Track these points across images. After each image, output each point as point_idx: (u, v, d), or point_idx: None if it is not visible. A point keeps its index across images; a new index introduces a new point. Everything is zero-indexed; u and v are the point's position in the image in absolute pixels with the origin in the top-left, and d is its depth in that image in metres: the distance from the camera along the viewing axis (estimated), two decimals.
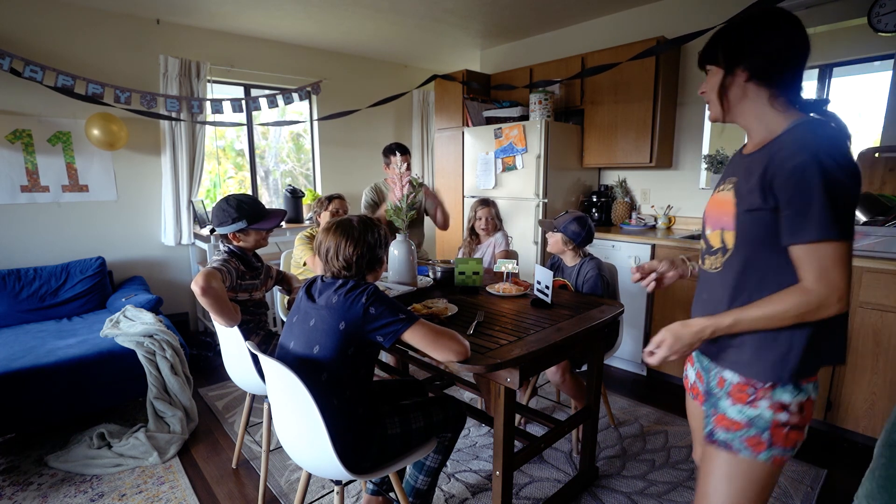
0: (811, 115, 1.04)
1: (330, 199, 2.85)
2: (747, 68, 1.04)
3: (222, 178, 4.54)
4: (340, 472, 1.39)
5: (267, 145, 4.72)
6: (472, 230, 3.01)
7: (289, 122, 4.27)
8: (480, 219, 2.94)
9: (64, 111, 3.36)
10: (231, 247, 2.05)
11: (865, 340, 2.28)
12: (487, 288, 2.27)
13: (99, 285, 3.34)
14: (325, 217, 2.82)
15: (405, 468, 1.79)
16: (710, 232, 1.15)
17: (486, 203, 2.97)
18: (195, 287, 1.74)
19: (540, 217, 3.45)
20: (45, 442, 2.46)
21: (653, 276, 1.36)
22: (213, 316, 1.83)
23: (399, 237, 2.24)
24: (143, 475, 2.22)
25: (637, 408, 2.80)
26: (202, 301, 1.76)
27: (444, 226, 3.29)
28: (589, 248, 2.47)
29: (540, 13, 3.67)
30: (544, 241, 3.49)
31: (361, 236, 1.49)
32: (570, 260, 2.39)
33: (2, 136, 3.19)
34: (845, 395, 2.36)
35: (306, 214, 4.34)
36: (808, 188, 0.92)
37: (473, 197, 3.85)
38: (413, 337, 1.40)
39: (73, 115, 3.39)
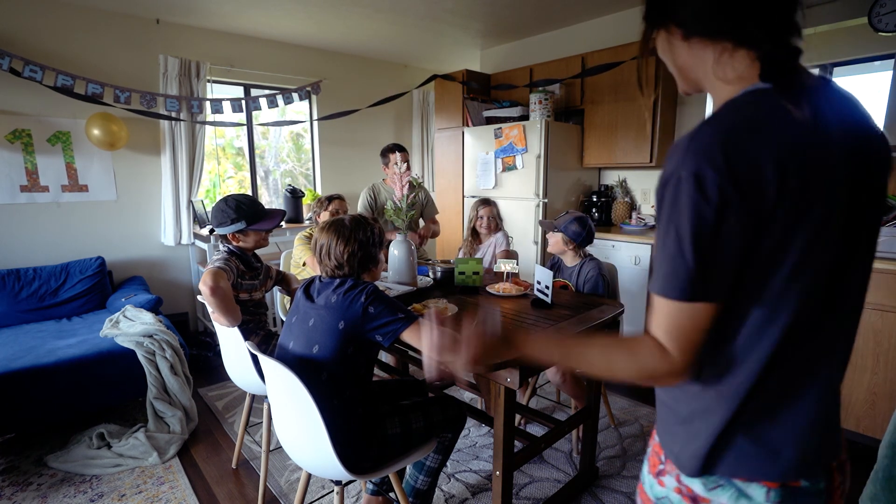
0: (767, 84, 0.65)
1: (330, 199, 2.85)
2: (677, 20, 0.71)
3: (222, 178, 4.54)
4: (340, 473, 1.39)
5: (267, 145, 4.72)
6: (473, 230, 3.01)
7: (289, 122, 4.27)
8: (482, 218, 2.93)
9: (63, 111, 3.36)
10: (231, 247, 2.05)
11: (865, 340, 2.28)
12: (487, 288, 2.26)
13: (99, 285, 3.34)
14: (324, 217, 2.82)
15: (405, 468, 1.79)
16: None
17: (487, 203, 2.97)
18: (204, 287, 1.75)
19: (540, 217, 3.45)
20: (45, 442, 2.46)
21: None
22: (216, 315, 1.83)
23: (399, 237, 2.24)
24: (142, 475, 2.22)
25: (637, 408, 2.80)
26: (210, 301, 1.77)
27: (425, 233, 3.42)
28: (589, 249, 2.47)
29: (540, 13, 3.67)
30: (544, 242, 3.49)
31: (352, 234, 1.49)
32: (570, 260, 2.39)
33: (1, 136, 3.18)
34: (845, 395, 2.36)
35: (306, 214, 4.33)
36: (663, 208, 0.65)
37: (473, 197, 3.85)
38: (412, 336, 1.40)
39: (73, 115, 3.39)
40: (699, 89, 0.77)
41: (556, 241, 2.36)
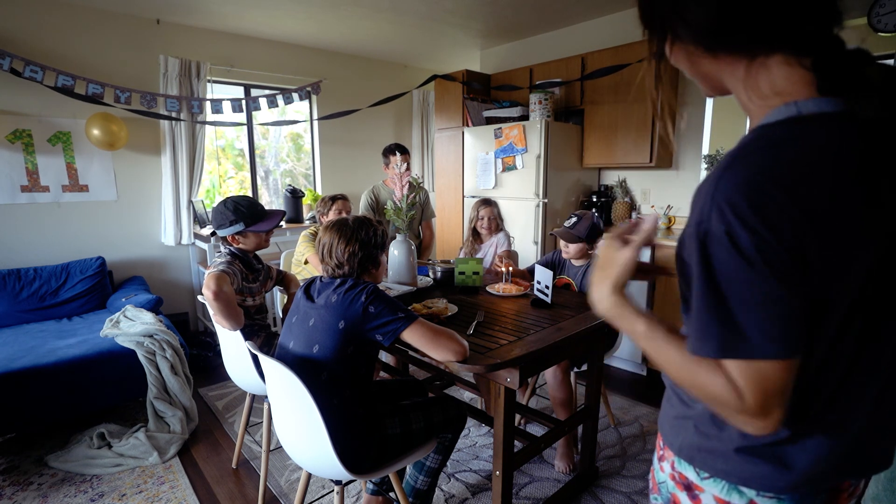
0: (824, 96, 0.56)
1: (333, 199, 2.86)
2: (692, 38, 0.62)
3: (222, 178, 4.54)
4: (340, 472, 1.39)
5: (267, 145, 4.72)
6: (473, 230, 3.00)
7: (289, 121, 4.28)
8: (482, 218, 2.93)
9: (64, 111, 3.36)
10: (232, 248, 2.05)
11: None
12: (487, 288, 2.26)
13: (99, 285, 3.34)
14: (329, 218, 2.85)
15: (405, 468, 1.79)
16: None
17: (488, 203, 2.97)
18: (207, 291, 1.75)
19: (540, 217, 3.45)
20: (45, 442, 2.46)
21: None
22: (218, 319, 1.83)
23: (399, 237, 2.24)
24: (143, 475, 2.22)
25: (637, 407, 2.80)
26: (213, 305, 1.77)
27: (426, 241, 3.52)
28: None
29: (540, 13, 3.67)
30: (544, 242, 3.49)
31: (354, 234, 1.50)
32: (579, 261, 2.38)
33: (2, 136, 3.19)
34: None
35: (306, 214, 4.34)
36: (696, 263, 0.58)
37: (474, 197, 3.84)
38: (412, 336, 1.40)
39: (73, 115, 3.39)
40: (727, 92, 0.68)
41: (578, 248, 2.28)
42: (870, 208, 0.55)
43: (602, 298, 0.71)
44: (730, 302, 0.56)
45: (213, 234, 2.09)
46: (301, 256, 2.76)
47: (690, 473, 0.72)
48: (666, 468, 0.76)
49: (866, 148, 0.55)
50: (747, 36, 0.58)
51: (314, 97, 4.35)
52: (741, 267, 0.54)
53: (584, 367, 2.23)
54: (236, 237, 2.04)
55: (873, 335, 0.62)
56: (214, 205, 2.06)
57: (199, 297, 2.08)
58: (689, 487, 0.72)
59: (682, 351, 0.62)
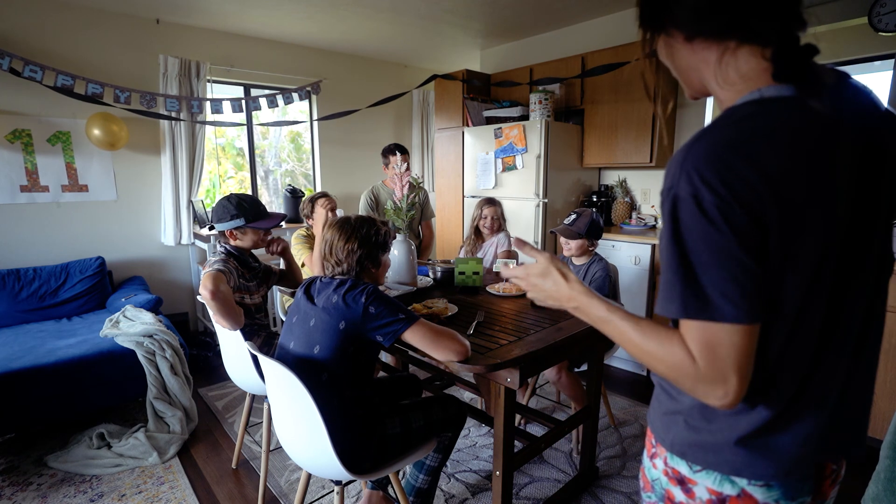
0: (780, 84, 0.63)
1: (313, 200, 2.76)
2: (676, 22, 0.69)
3: (222, 178, 4.54)
4: (340, 473, 1.39)
5: (267, 145, 4.72)
6: (476, 229, 2.99)
7: (289, 122, 4.27)
8: (486, 217, 2.92)
9: (64, 111, 3.35)
10: (228, 247, 2.05)
11: None
12: (487, 288, 2.26)
13: (99, 285, 3.34)
14: (319, 215, 2.76)
15: (406, 467, 1.79)
16: None
17: (492, 202, 2.96)
18: (204, 291, 1.75)
19: (540, 217, 3.44)
20: (45, 442, 2.46)
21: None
22: (217, 319, 1.83)
23: (399, 237, 2.24)
24: (142, 475, 2.22)
25: (637, 407, 2.80)
26: (211, 305, 1.76)
27: (426, 241, 3.52)
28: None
29: (540, 13, 3.67)
30: (545, 242, 3.49)
31: (355, 231, 1.50)
32: (581, 259, 2.37)
33: (2, 136, 3.18)
34: None
35: None
36: (665, 226, 0.63)
37: (474, 197, 3.84)
38: (413, 337, 1.40)
39: (73, 115, 3.39)
40: (706, 93, 0.74)
41: (579, 244, 2.29)
42: (823, 176, 0.61)
43: (560, 288, 0.82)
44: (693, 260, 0.60)
45: (212, 227, 2.09)
46: (298, 259, 2.73)
47: (683, 468, 0.73)
48: (659, 465, 0.78)
49: (820, 124, 0.62)
50: (723, 20, 0.66)
51: (314, 97, 4.35)
52: (705, 226, 0.59)
53: (584, 367, 2.23)
54: (234, 233, 2.04)
55: (840, 303, 0.66)
56: (217, 201, 2.06)
57: (199, 297, 2.08)
58: (682, 482, 0.74)
59: (639, 325, 0.69)
